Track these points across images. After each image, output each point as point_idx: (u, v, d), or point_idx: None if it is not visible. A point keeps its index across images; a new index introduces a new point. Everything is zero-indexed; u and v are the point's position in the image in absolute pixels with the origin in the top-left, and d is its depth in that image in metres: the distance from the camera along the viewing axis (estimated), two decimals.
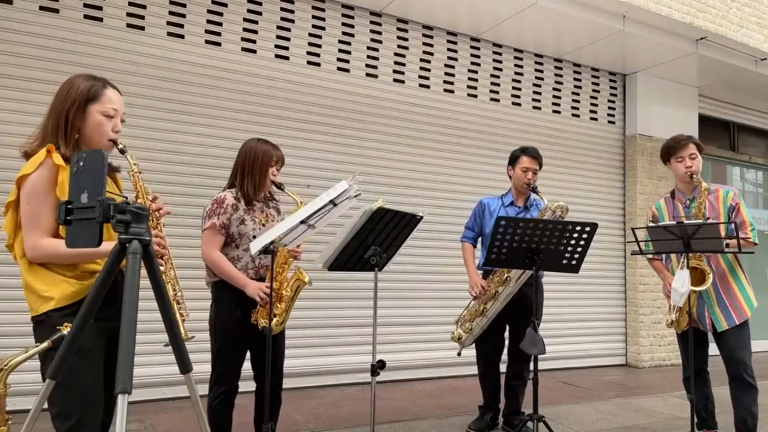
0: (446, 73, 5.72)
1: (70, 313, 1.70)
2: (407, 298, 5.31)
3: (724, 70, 6.53)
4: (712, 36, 5.93)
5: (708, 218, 3.11)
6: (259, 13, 4.86)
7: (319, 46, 5.11)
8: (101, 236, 1.33)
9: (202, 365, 2.75)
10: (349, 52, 5.23)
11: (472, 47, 5.86)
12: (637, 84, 6.64)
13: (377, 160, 5.28)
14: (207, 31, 4.66)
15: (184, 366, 1.52)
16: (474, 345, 3.70)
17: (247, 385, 2.69)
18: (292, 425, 3.72)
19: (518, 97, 6.13)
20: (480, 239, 3.79)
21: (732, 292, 3.16)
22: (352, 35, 5.25)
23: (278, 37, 4.94)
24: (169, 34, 4.52)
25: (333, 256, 2.55)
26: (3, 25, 3.97)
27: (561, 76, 6.40)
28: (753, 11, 6.37)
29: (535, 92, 6.23)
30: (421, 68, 5.58)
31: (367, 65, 5.32)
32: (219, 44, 4.70)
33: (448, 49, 5.74)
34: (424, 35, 5.61)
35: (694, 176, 3.20)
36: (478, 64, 5.90)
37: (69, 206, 1.35)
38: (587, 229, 2.80)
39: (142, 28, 4.43)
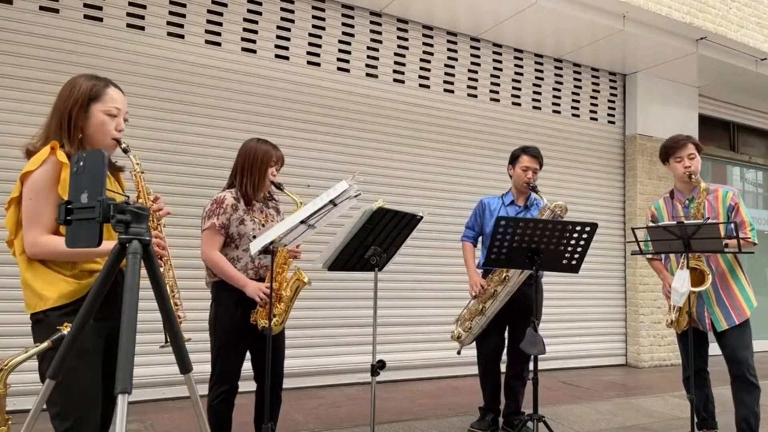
0: (446, 73, 5.72)
1: (68, 312, 1.71)
2: (407, 298, 5.31)
3: (724, 70, 6.53)
4: (712, 36, 5.93)
5: (708, 218, 3.11)
6: (259, 13, 4.86)
7: (319, 46, 5.11)
8: (101, 236, 1.33)
9: (202, 365, 2.75)
10: (349, 52, 5.23)
11: (472, 47, 5.86)
12: (637, 84, 6.64)
13: (377, 160, 5.28)
14: (207, 31, 4.66)
15: (184, 366, 1.52)
16: (474, 345, 3.71)
17: (247, 385, 2.69)
18: (292, 425, 3.72)
19: (518, 97, 6.13)
20: (480, 239, 3.80)
21: (732, 292, 3.16)
22: (352, 35, 5.25)
23: (278, 37, 4.94)
24: (169, 34, 4.52)
25: (333, 256, 2.55)
26: (3, 25, 3.97)
27: (561, 76, 6.40)
28: (753, 11, 6.37)
29: (535, 92, 6.23)
30: (421, 68, 5.58)
31: (367, 65, 5.32)
32: (219, 44, 4.70)
33: (448, 49, 5.74)
34: (424, 35, 5.62)
35: (693, 176, 3.20)
36: (478, 64, 5.90)
37: (69, 206, 1.35)
38: (587, 229, 2.80)
39: (142, 28, 4.43)
